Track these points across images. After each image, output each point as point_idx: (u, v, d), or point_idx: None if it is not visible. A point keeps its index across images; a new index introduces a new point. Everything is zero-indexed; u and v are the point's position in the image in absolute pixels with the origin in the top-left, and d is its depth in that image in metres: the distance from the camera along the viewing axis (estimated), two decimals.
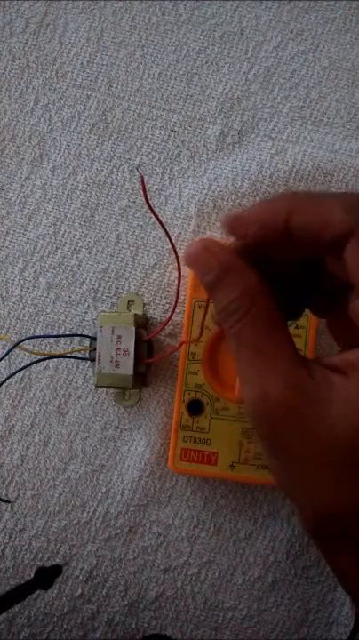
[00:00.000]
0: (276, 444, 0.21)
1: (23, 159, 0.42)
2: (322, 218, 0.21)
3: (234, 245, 0.24)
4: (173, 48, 0.41)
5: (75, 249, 0.41)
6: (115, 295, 0.40)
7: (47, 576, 0.37)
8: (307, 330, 0.37)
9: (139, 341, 0.36)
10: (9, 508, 0.40)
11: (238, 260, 0.23)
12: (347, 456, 0.19)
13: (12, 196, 0.41)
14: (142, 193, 0.29)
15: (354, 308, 0.21)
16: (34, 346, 0.39)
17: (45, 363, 0.40)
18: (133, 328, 0.36)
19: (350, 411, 0.19)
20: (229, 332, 0.22)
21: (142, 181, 0.28)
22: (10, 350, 0.37)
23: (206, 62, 0.41)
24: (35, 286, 0.41)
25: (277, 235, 0.22)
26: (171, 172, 0.41)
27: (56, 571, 0.37)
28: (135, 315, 0.37)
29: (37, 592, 0.39)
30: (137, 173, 0.41)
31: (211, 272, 0.22)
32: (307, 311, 0.37)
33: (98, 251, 0.41)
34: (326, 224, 0.21)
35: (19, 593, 0.34)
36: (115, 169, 0.41)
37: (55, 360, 0.40)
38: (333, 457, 0.20)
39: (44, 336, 0.40)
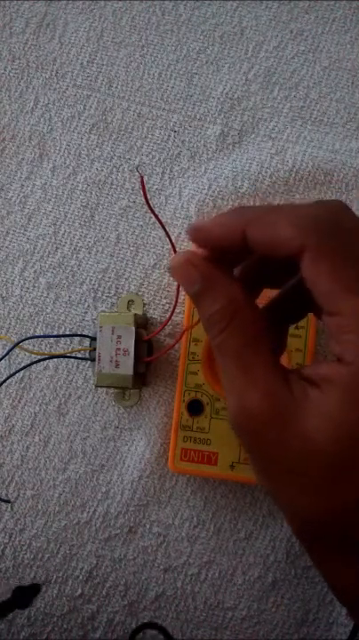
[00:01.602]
0: (258, 454, 0.21)
1: (23, 159, 0.42)
2: (273, 235, 0.21)
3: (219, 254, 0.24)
4: (173, 48, 0.41)
5: (75, 249, 0.41)
6: (115, 295, 0.40)
7: (25, 595, 0.36)
8: (307, 330, 0.37)
9: (139, 341, 0.36)
10: (9, 508, 0.40)
11: (222, 272, 0.23)
12: (324, 467, 0.20)
13: (12, 196, 0.41)
14: (142, 193, 0.29)
15: (324, 323, 0.21)
16: (34, 346, 0.39)
17: (45, 363, 0.40)
18: (133, 328, 0.36)
19: (325, 422, 0.20)
20: (212, 343, 0.22)
21: (142, 181, 0.28)
22: (10, 350, 0.37)
23: (206, 62, 0.41)
24: (35, 286, 0.41)
25: (235, 247, 0.22)
26: (171, 172, 0.41)
27: (34, 589, 0.37)
28: (135, 315, 0.37)
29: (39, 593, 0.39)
30: (137, 173, 0.41)
31: (194, 284, 0.23)
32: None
33: (98, 251, 0.41)
34: (277, 242, 0.21)
35: None
36: (115, 169, 0.41)
37: (55, 360, 0.40)
38: (311, 468, 0.20)
39: (44, 336, 0.40)
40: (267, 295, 0.27)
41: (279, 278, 0.26)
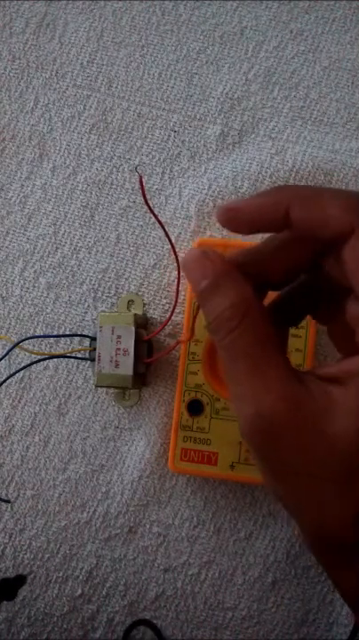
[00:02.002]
0: (274, 462, 0.20)
1: (23, 159, 0.42)
2: (321, 214, 0.20)
3: (230, 256, 0.23)
4: (173, 48, 0.41)
5: (75, 249, 0.41)
6: (115, 295, 0.40)
7: (10, 587, 0.36)
8: (306, 330, 0.37)
9: (138, 341, 0.36)
10: (9, 508, 0.40)
11: (234, 269, 0.22)
12: (350, 469, 0.19)
13: (12, 196, 0.41)
14: (141, 193, 0.29)
15: (351, 312, 0.21)
16: (34, 346, 0.39)
17: (45, 363, 0.40)
18: (133, 328, 0.36)
19: (352, 422, 0.19)
20: (220, 344, 0.21)
21: (141, 181, 0.28)
22: (10, 350, 0.37)
23: (206, 62, 0.41)
24: (35, 286, 0.41)
25: (274, 227, 0.21)
26: (171, 172, 0.41)
27: (20, 581, 0.37)
28: (135, 315, 0.37)
29: (34, 590, 0.39)
30: (136, 173, 0.41)
31: (206, 278, 0.22)
32: None
33: (98, 251, 0.41)
34: (325, 221, 0.20)
35: None
36: (115, 169, 0.41)
37: (55, 360, 0.40)
38: (336, 471, 0.19)
39: (44, 336, 0.40)
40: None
41: (282, 282, 0.25)
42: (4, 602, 0.37)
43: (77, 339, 0.40)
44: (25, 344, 0.37)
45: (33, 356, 0.37)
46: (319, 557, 0.22)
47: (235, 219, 0.22)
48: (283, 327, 0.26)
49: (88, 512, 0.40)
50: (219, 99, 0.41)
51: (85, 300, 0.40)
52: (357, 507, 0.19)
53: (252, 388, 0.20)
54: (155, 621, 0.39)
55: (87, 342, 0.39)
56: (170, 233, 0.40)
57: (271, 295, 0.27)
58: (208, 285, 0.22)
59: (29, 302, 0.41)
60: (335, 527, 0.20)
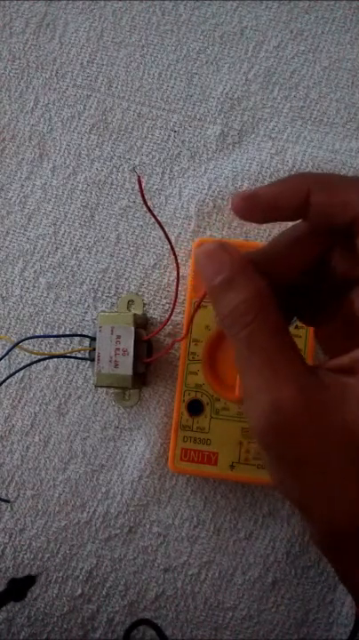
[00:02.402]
0: (287, 456, 0.20)
1: (23, 159, 0.42)
2: (341, 199, 0.21)
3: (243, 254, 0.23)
4: (173, 48, 0.41)
5: (75, 249, 0.41)
6: (115, 295, 0.40)
7: (20, 587, 0.36)
8: (307, 330, 0.37)
9: (138, 341, 0.36)
10: (9, 508, 0.40)
11: (249, 263, 0.22)
12: None
13: (12, 196, 0.41)
14: (140, 193, 0.29)
15: (358, 303, 0.21)
16: (34, 346, 0.39)
17: (45, 363, 0.40)
18: (133, 328, 0.36)
19: None
20: (236, 338, 0.21)
21: (139, 181, 0.28)
22: (10, 350, 0.37)
23: (206, 62, 0.41)
24: (35, 286, 0.41)
25: (294, 213, 0.22)
26: (171, 172, 0.41)
27: (29, 581, 0.36)
28: (135, 315, 0.37)
29: (34, 590, 0.39)
30: (135, 173, 0.41)
31: (222, 272, 0.21)
32: None
33: (98, 251, 0.41)
34: (345, 205, 0.21)
35: None
36: (115, 169, 0.41)
37: (55, 360, 0.40)
38: (352, 460, 0.19)
39: (44, 336, 0.40)
40: None
41: (292, 282, 0.25)
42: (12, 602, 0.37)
43: (77, 339, 0.40)
44: (25, 344, 0.38)
45: (33, 355, 0.37)
46: (328, 554, 0.22)
47: (252, 206, 0.22)
48: None
49: (88, 512, 0.40)
50: (219, 99, 0.41)
51: (85, 300, 0.40)
52: None
53: (268, 382, 0.20)
54: (154, 621, 0.39)
55: (87, 342, 0.39)
56: (170, 233, 0.40)
57: None
58: (223, 280, 0.21)
59: (29, 302, 0.41)
60: (347, 521, 0.19)
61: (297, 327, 0.37)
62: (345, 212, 0.21)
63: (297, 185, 0.21)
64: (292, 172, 0.40)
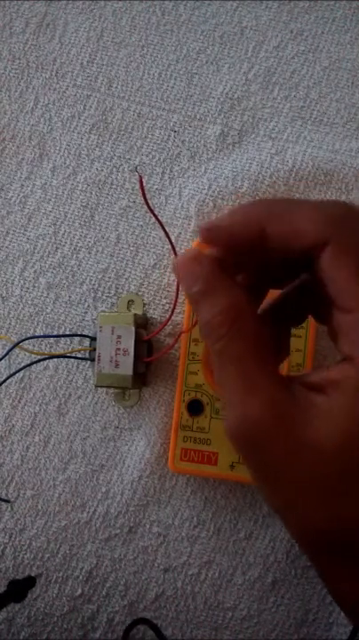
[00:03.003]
0: (260, 466, 0.21)
1: (23, 159, 0.42)
2: (295, 228, 0.21)
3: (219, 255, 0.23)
4: (173, 48, 0.41)
5: (75, 249, 0.41)
6: (115, 295, 0.40)
7: (20, 588, 0.36)
8: (306, 330, 0.37)
9: (138, 341, 0.36)
10: (9, 508, 0.40)
11: (224, 274, 0.22)
12: (332, 474, 0.19)
13: (12, 196, 0.41)
14: (141, 193, 0.29)
15: (334, 320, 0.21)
16: (34, 346, 0.39)
17: (45, 363, 0.40)
18: (133, 328, 0.36)
19: (333, 430, 0.19)
20: (211, 349, 0.21)
21: (141, 181, 0.28)
22: (10, 350, 0.37)
23: (206, 62, 0.41)
24: (35, 286, 0.41)
25: (252, 243, 0.22)
26: (171, 172, 0.41)
27: (29, 582, 0.37)
28: (135, 315, 0.37)
29: (34, 591, 0.39)
30: (136, 173, 0.41)
31: (196, 283, 0.22)
32: None
33: (98, 251, 0.41)
34: (299, 234, 0.21)
35: None
36: (115, 169, 0.41)
37: (55, 360, 0.40)
38: (320, 477, 0.19)
39: (44, 336, 0.40)
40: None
41: (282, 279, 0.25)
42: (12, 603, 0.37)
43: (77, 339, 0.40)
44: (25, 344, 0.37)
45: (33, 355, 0.37)
46: (313, 562, 0.22)
47: (215, 237, 0.22)
48: (284, 326, 0.26)
49: (88, 512, 0.40)
50: (219, 99, 0.41)
51: (85, 300, 0.40)
52: (344, 514, 0.19)
53: (239, 394, 0.20)
54: (155, 621, 0.39)
55: (87, 342, 0.39)
56: (170, 233, 0.40)
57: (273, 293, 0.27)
58: (198, 291, 0.22)
59: (29, 302, 0.41)
60: (320, 531, 0.20)
61: (297, 327, 0.37)
62: (299, 241, 0.21)
63: (252, 216, 0.22)
64: (292, 172, 0.40)
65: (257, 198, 0.40)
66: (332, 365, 0.21)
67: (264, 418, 0.20)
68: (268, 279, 0.26)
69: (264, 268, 0.25)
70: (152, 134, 0.41)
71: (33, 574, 0.39)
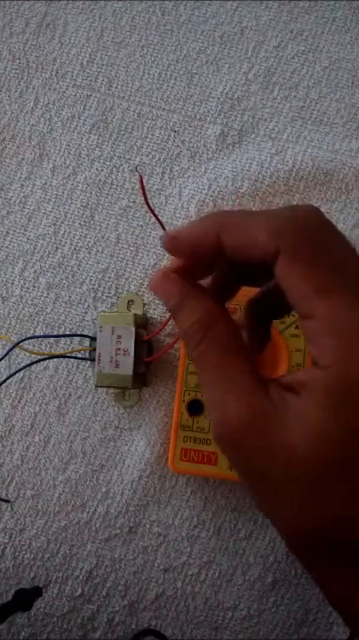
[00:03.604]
0: (240, 465, 0.21)
1: (23, 159, 0.42)
2: (248, 239, 0.21)
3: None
4: (173, 48, 0.41)
5: (75, 249, 0.41)
6: (115, 295, 0.40)
7: (27, 597, 0.36)
8: None
9: (138, 341, 0.36)
10: (9, 508, 0.40)
11: (195, 286, 0.24)
12: (306, 475, 0.19)
13: (12, 196, 0.41)
14: (141, 193, 0.29)
15: (301, 326, 0.21)
16: (34, 346, 0.39)
17: (45, 363, 0.40)
18: (133, 328, 0.36)
19: (305, 430, 0.19)
20: (190, 356, 0.22)
21: (141, 181, 0.28)
22: (10, 350, 0.37)
23: (206, 62, 0.41)
24: (35, 286, 0.41)
25: (210, 253, 0.23)
26: (171, 172, 0.41)
27: (36, 592, 0.37)
28: (135, 315, 0.37)
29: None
30: (137, 173, 0.41)
31: (172, 299, 0.23)
32: None
33: (98, 251, 0.41)
34: (253, 245, 0.21)
35: None
36: (115, 169, 0.41)
37: (55, 360, 0.40)
38: (294, 476, 0.20)
39: (44, 336, 0.40)
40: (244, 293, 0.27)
41: (255, 278, 0.26)
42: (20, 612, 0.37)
43: (77, 339, 0.40)
44: (25, 344, 0.37)
45: (33, 355, 0.37)
46: (299, 560, 0.22)
47: (176, 247, 0.23)
48: (266, 319, 0.27)
49: (88, 512, 0.40)
50: (219, 99, 0.41)
51: (85, 300, 0.40)
52: (318, 514, 0.20)
53: (217, 396, 0.21)
54: (155, 621, 0.39)
55: (87, 342, 0.39)
56: None
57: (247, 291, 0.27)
58: (174, 305, 0.23)
59: (29, 302, 0.41)
60: (298, 532, 0.20)
61: (297, 327, 0.37)
62: (254, 251, 0.21)
63: (208, 228, 0.23)
64: (292, 172, 0.40)
65: (257, 198, 0.40)
66: (304, 368, 0.21)
67: (241, 418, 0.20)
68: (239, 279, 0.26)
69: (232, 270, 0.26)
70: (152, 134, 0.41)
71: (33, 574, 0.39)
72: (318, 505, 0.19)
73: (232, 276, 0.26)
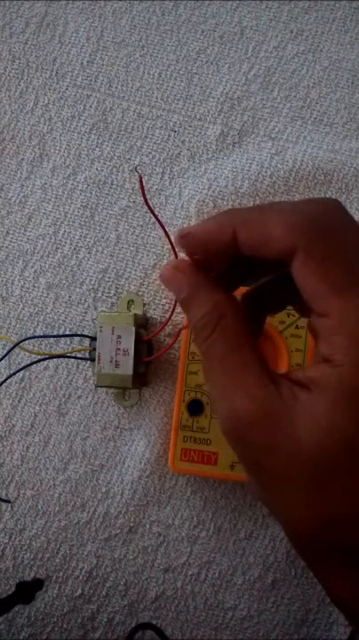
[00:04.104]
0: (246, 459, 0.21)
1: (23, 159, 0.42)
2: (264, 236, 0.21)
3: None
4: (173, 48, 0.41)
5: (75, 249, 0.41)
6: (115, 295, 0.40)
7: (28, 590, 0.36)
8: (306, 330, 0.37)
9: (139, 341, 0.36)
10: (9, 508, 0.40)
11: (207, 278, 0.23)
12: (314, 471, 0.19)
13: (12, 196, 0.41)
14: (141, 193, 0.29)
15: (313, 324, 0.21)
16: (34, 346, 0.39)
17: (45, 363, 0.40)
18: (133, 328, 0.36)
19: (314, 427, 0.19)
20: (199, 350, 0.22)
21: (141, 181, 0.28)
22: (10, 350, 0.37)
23: (206, 62, 0.41)
24: (35, 286, 0.41)
25: (224, 250, 0.22)
26: (171, 172, 0.41)
27: (37, 585, 0.37)
28: (135, 315, 0.37)
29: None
30: (137, 173, 0.41)
31: (183, 291, 0.23)
32: None
33: (98, 251, 0.41)
34: (268, 241, 0.21)
35: (0, 607, 0.34)
36: (115, 169, 0.41)
37: (55, 360, 0.40)
38: (300, 473, 0.19)
39: (44, 336, 0.40)
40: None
41: (259, 278, 0.26)
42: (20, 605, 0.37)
43: (77, 339, 0.40)
44: (25, 344, 0.37)
45: (33, 355, 0.37)
46: (303, 558, 0.22)
47: (189, 244, 0.23)
48: (261, 313, 0.27)
49: (88, 512, 0.40)
50: (219, 99, 0.41)
51: (85, 300, 0.40)
52: (325, 512, 0.19)
53: (226, 390, 0.21)
54: (154, 621, 0.39)
55: (87, 342, 0.39)
56: (170, 233, 0.40)
57: None
58: (185, 297, 0.23)
59: (29, 302, 0.41)
60: (304, 530, 0.20)
61: (297, 327, 0.37)
62: (270, 247, 0.21)
63: (223, 224, 0.22)
64: (292, 172, 0.40)
65: (258, 198, 0.40)
66: (313, 364, 0.21)
67: (249, 412, 0.20)
68: (244, 279, 0.26)
69: (238, 269, 0.25)
70: (152, 134, 0.41)
71: (33, 574, 0.39)
72: (326, 503, 0.19)
73: (239, 272, 0.26)
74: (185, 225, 0.40)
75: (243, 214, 0.22)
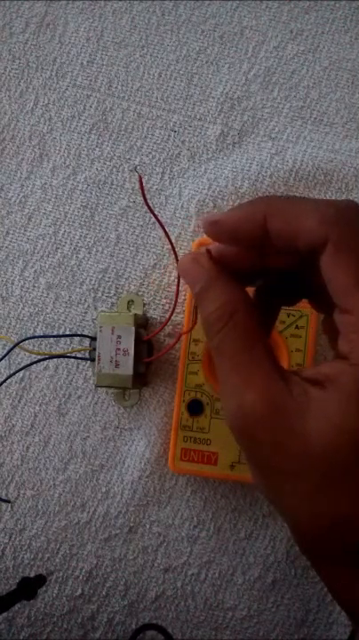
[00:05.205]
0: (254, 456, 0.21)
1: (23, 159, 0.42)
2: (296, 226, 0.21)
3: (221, 249, 0.24)
4: (173, 48, 0.41)
5: (75, 249, 0.41)
6: (115, 295, 0.40)
7: (31, 586, 0.36)
8: (306, 330, 0.37)
9: (138, 341, 0.36)
10: (9, 508, 0.40)
11: (223, 272, 0.23)
12: (322, 470, 0.19)
13: (12, 196, 0.41)
14: (141, 193, 0.29)
15: (335, 319, 0.21)
16: (34, 346, 0.39)
17: (45, 363, 0.40)
18: (133, 328, 0.36)
19: (326, 425, 0.19)
20: (210, 344, 0.22)
21: (140, 181, 0.28)
22: (10, 350, 0.37)
23: (206, 62, 0.41)
24: (35, 286, 0.41)
25: (254, 239, 0.22)
26: (171, 172, 0.41)
27: (40, 581, 0.37)
28: (135, 315, 0.37)
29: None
30: (136, 173, 0.41)
31: (199, 283, 0.23)
32: (306, 311, 0.37)
33: (98, 251, 0.41)
34: (300, 232, 0.21)
35: (2, 604, 0.34)
36: (115, 169, 0.41)
37: (55, 360, 0.40)
38: (309, 471, 0.19)
39: (44, 336, 0.40)
40: None
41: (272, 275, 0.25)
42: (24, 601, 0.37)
43: (77, 339, 0.40)
44: (25, 344, 0.37)
45: (33, 355, 0.37)
46: (307, 557, 0.22)
47: (217, 232, 0.23)
48: (275, 305, 0.27)
49: (88, 512, 0.40)
50: (219, 99, 0.41)
51: (85, 300, 0.40)
52: (331, 512, 0.19)
53: (235, 386, 0.21)
54: (155, 621, 0.39)
55: (87, 342, 0.39)
56: (170, 233, 0.40)
57: None
58: (199, 290, 0.23)
59: (29, 302, 0.41)
60: (309, 529, 0.20)
61: (297, 327, 0.37)
62: (301, 239, 0.21)
63: (254, 213, 0.22)
64: (292, 172, 0.40)
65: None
66: (328, 361, 0.21)
67: (258, 409, 0.20)
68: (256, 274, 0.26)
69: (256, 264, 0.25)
70: (152, 134, 0.41)
71: (33, 574, 0.39)
72: (333, 502, 0.19)
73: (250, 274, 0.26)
74: (185, 225, 0.40)
75: (275, 203, 0.22)
